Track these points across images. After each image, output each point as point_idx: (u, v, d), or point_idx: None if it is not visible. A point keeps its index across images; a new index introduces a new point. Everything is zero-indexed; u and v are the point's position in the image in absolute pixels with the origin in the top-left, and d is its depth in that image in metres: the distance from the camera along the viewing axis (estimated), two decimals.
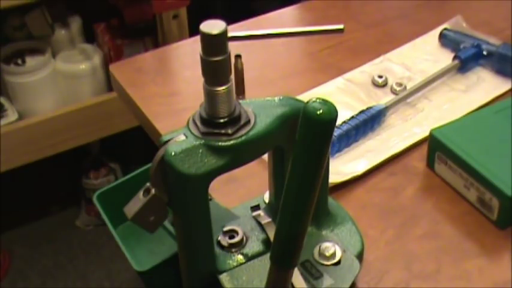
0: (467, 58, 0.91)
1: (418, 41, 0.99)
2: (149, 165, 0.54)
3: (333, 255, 0.60)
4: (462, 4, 1.06)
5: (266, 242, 0.61)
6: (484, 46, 0.92)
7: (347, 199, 0.74)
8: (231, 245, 0.61)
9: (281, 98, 0.57)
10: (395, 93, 0.88)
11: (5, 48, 1.80)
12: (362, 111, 0.82)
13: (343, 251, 0.60)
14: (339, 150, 0.79)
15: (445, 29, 0.98)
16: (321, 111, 0.44)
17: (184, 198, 0.53)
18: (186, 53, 1.03)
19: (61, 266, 1.81)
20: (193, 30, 1.66)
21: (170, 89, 0.95)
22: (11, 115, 1.78)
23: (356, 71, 0.94)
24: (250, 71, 0.89)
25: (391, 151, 0.79)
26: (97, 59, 1.86)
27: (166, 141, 0.53)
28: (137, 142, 1.57)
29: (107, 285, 1.76)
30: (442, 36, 0.97)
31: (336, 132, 0.78)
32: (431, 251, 0.68)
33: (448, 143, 0.74)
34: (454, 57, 0.92)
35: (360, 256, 0.64)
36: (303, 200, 0.47)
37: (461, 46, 0.93)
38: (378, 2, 1.10)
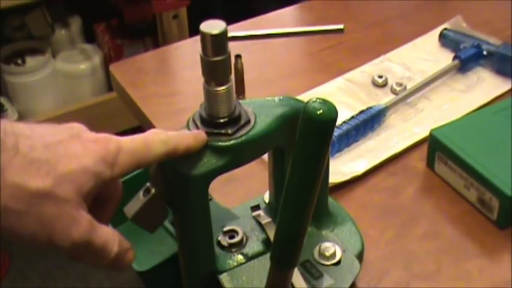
0: (467, 58, 0.91)
1: (418, 41, 0.99)
2: None
3: (333, 255, 0.60)
4: (462, 4, 1.06)
5: (266, 242, 0.61)
6: (484, 46, 0.92)
7: (347, 199, 0.74)
8: (231, 245, 0.61)
9: (281, 98, 0.57)
10: (395, 93, 0.88)
11: (5, 48, 1.80)
12: (362, 111, 0.82)
13: (343, 251, 0.60)
14: (339, 150, 0.79)
15: (445, 29, 0.98)
16: (321, 111, 0.44)
17: (184, 198, 0.53)
18: (186, 53, 1.03)
19: (61, 266, 1.81)
20: (193, 30, 1.66)
21: (170, 89, 0.95)
22: (11, 115, 1.78)
23: (356, 71, 0.94)
24: (250, 71, 0.89)
25: (391, 151, 0.79)
26: (97, 59, 1.86)
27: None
28: None
29: (107, 286, 1.76)
30: (442, 36, 0.97)
31: (336, 132, 0.78)
32: (431, 251, 0.68)
33: (448, 143, 0.74)
34: (454, 57, 0.92)
35: (360, 256, 0.64)
36: (303, 200, 0.47)
37: (461, 46, 0.93)
38: (378, 2, 1.10)
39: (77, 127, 0.48)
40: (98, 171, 0.46)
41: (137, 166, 0.49)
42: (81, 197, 0.45)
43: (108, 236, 0.48)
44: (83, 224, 0.45)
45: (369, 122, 0.81)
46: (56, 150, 0.45)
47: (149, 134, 0.51)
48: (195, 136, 0.52)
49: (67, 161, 0.45)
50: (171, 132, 0.52)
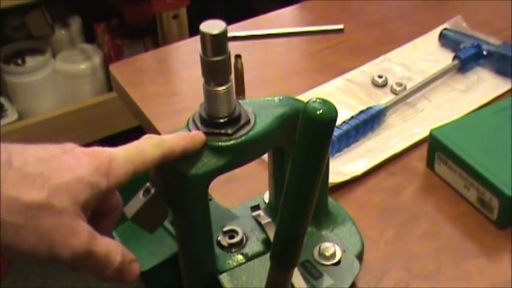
0: (467, 58, 0.91)
1: (418, 41, 0.99)
2: None
3: (333, 255, 0.60)
4: (462, 4, 1.06)
5: (266, 242, 0.61)
6: (484, 46, 0.92)
7: (347, 199, 0.74)
8: (231, 245, 0.61)
9: (281, 98, 0.57)
10: (395, 93, 0.88)
11: (5, 48, 1.80)
12: (362, 111, 0.82)
13: (343, 251, 0.60)
14: (339, 150, 0.79)
15: (445, 29, 0.98)
16: (321, 111, 0.44)
17: (184, 198, 0.53)
18: (186, 53, 1.03)
19: (61, 267, 1.80)
20: (193, 30, 1.66)
21: (170, 89, 0.95)
22: (11, 115, 1.78)
23: (356, 71, 0.94)
24: (250, 71, 0.89)
25: (391, 151, 0.79)
26: (97, 59, 1.86)
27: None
28: None
29: (107, 286, 1.76)
30: (442, 36, 0.97)
31: (336, 132, 0.78)
32: (431, 251, 0.68)
33: (448, 143, 0.74)
34: (454, 57, 0.92)
35: (360, 256, 0.64)
36: (303, 200, 0.47)
37: (461, 46, 0.93)
38: (378, 2, 1.10)
39: (69, 144, 0.48)
40: (93, 182, 0.46)
41: (134, 173, 0.49)
42: (78, 208, 0.45)
43: (110, 245, 0.48)
44: (82, 234, 0.45)
45: (369, 122, 0.81)
46: (49, 164, 0.45)
47: (141, 139, 0.51)
48: (193, 137, 0.52)
49: (61, 173, 0.45)
50: (166, 135, 0.52)
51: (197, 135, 0.52)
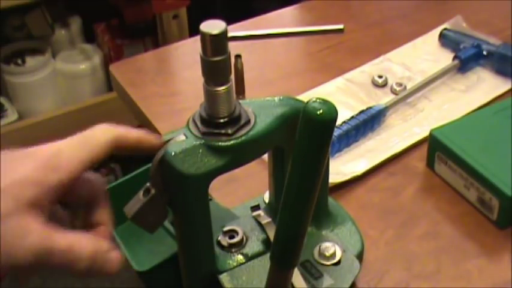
0: (467, 58, 0.91)
1: (418, 41, 0.99)
2: (149, 165, 0.54)
3: (333, 255, 0.60)
4: (462, 4, 1.06)
5: (266, 242, 0.61)
6: (484, 46, 0.92)
7: (347, 199, 0.74)
8: (231, 245, 0.61)
9: (281, 98, 0.57)
10: (395, 93, 0.88)
11: (5, 48, 1.80)
12: (362, 111, 0.82)
13: (343, 251, 0.60)
14: (339, 150, 0.79)
15: (445, 29, 0.98)
16: (321, 111, 0.44)
17: (184, 198, 0.53)
18: (186, 53, 1.03)
19: None
20: (193, 30, 1.66)
21: (170, 89, 0.95)
22: (11, 115, 1.78)
23: (356, 71, 0.94)
24: (250, 71, 0.89)
25: (391, 151, 0.79)
26: (97, 59, 1.86)
27: (167, 141, 0.53)
28: None
29: (107, 285, 1.76)
30: (442, 36, 0.97)
31: (336, 132, 0.78)
32: (431, 251, 0.68)
33: (448, 143, 0.74)
34: (454, 57, 0.92)
35: (360, 256, 0.64)
36: (303, 200, 0.47)
37: (461, 46, 0.93)
38: (378, 2, 1.10)
39: (6, 150, 0.48)
40: (38, 179, 0.45)
41: (89, 159, 0.48)
42: (26, 207, 0.45)
43: (72, 239, 0.46)
44: (35, 233, 0.44)
45: (369, 122, 0.81)
46: None
47: (89, 128, 0.50)
48: (147, 132, 0.52)
49: (1, 178, 0.45)
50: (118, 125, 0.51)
51: (155, 134, 0.52)
